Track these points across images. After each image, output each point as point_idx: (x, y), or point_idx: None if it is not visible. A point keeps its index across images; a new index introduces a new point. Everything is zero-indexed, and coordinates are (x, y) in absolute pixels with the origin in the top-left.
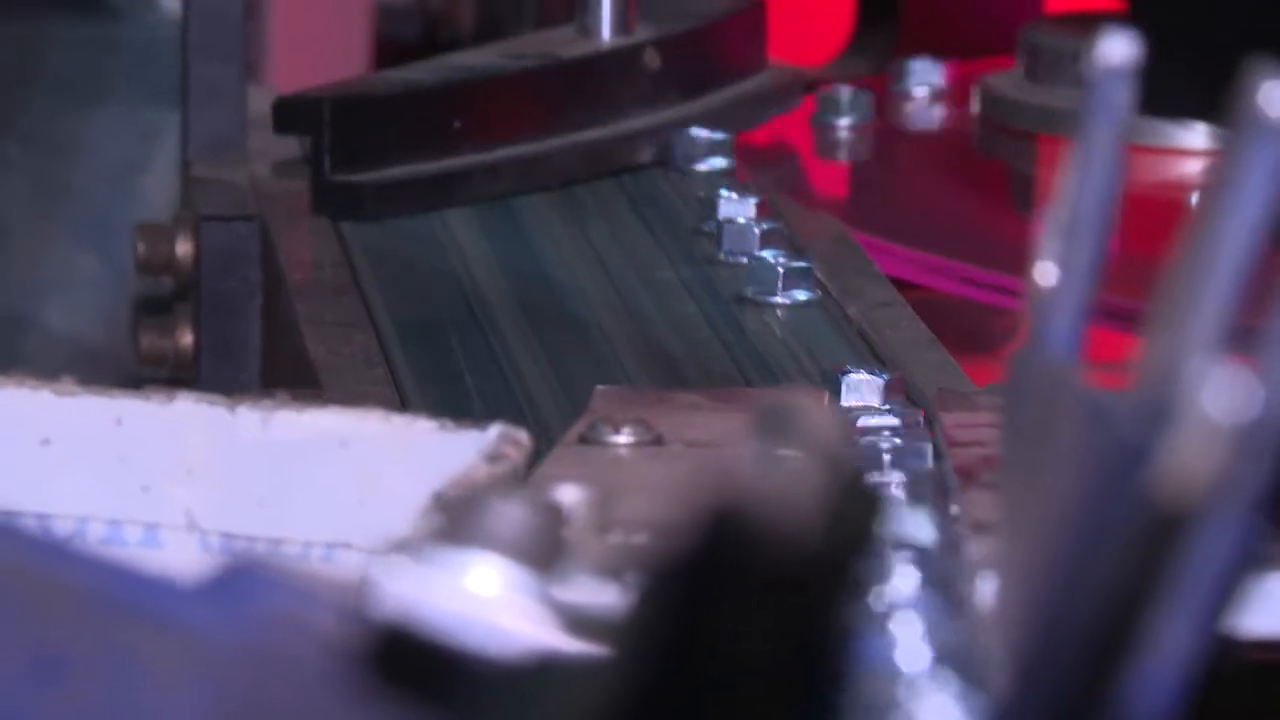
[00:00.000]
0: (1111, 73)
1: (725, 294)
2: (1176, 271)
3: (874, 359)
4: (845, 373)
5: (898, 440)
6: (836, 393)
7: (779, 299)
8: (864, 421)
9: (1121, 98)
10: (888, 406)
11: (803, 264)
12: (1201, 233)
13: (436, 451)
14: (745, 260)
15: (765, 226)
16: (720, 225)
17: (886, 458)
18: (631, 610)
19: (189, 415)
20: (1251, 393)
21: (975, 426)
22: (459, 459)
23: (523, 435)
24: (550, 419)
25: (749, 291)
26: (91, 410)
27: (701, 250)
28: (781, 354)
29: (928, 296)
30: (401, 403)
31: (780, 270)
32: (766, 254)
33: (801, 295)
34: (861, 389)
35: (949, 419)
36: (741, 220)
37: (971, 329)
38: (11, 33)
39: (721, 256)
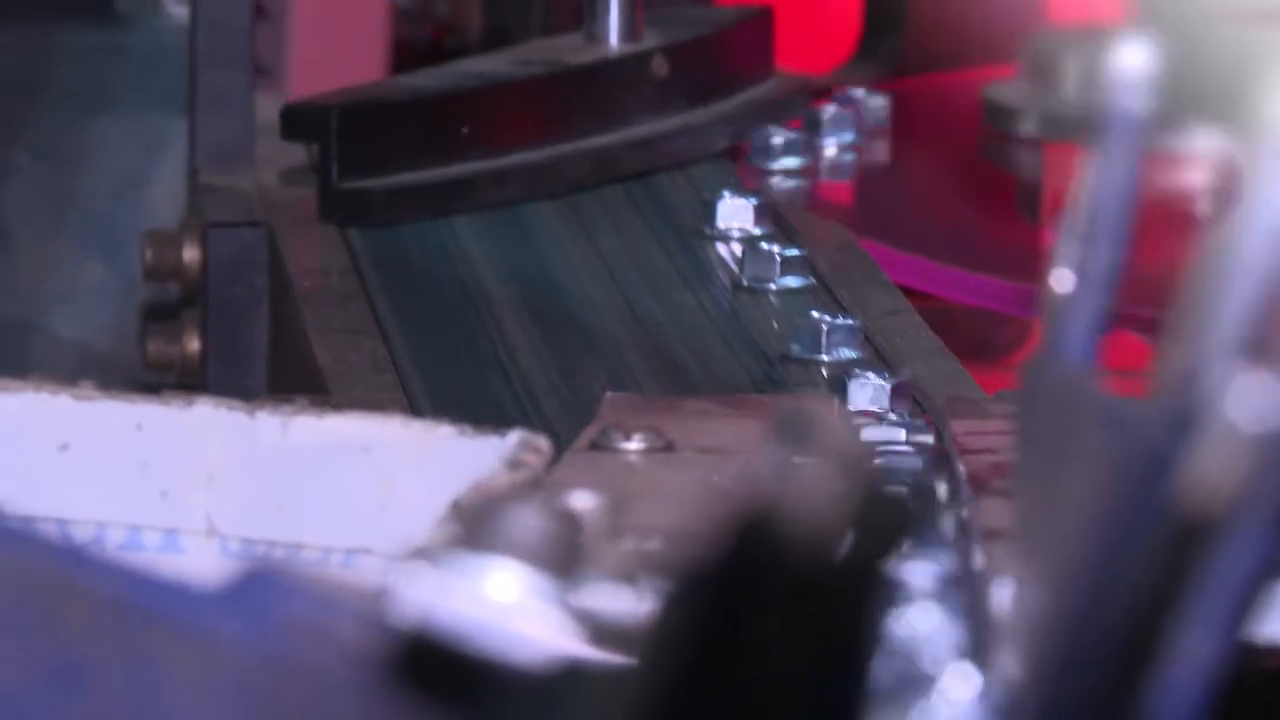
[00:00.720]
0: (1129, 80)
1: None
2: (1197, 279)
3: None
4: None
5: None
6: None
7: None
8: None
9: (1139, 105)
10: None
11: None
12: (1222, 240)
13: (456, 458)
14: None
15: None
16: None
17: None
18: (656, 618)
19: (209, 421)
20: (1276, 401)
21: (986, 434)
22: (479, 465)
23: (543, 442)
24: (559, 425)
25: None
26: (111, 415)
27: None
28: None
29: (934, 304)
30: (410, 409)
31: None
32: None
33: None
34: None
35: (959, 426)
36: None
37: (978, 337)
38: (19, 40)
39: None
